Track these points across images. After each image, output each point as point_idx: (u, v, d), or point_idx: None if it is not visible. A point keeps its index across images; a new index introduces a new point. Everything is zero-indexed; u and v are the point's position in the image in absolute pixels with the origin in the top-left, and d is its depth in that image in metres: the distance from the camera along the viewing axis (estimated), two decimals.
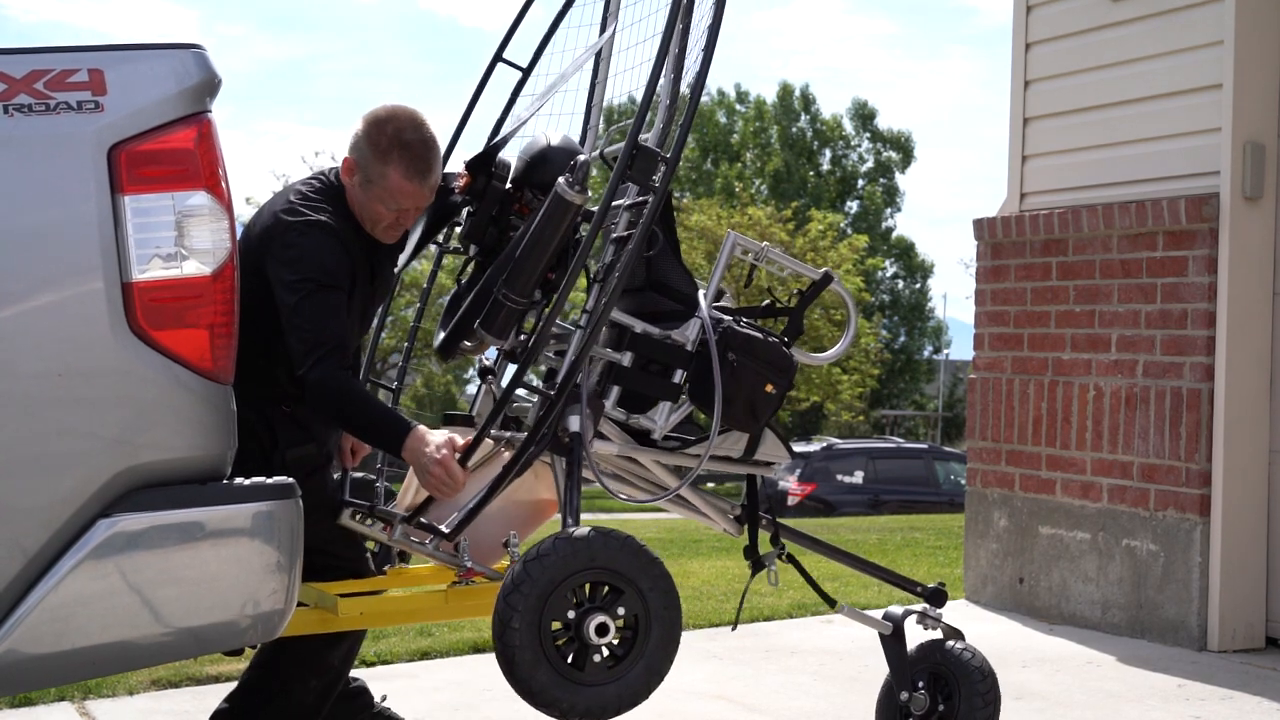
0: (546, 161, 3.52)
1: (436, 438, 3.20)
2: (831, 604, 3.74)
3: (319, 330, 3.23)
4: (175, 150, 2.53)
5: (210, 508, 2.55)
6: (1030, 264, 6.37)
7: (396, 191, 3.38)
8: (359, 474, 3.73)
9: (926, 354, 49.73)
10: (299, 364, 3.23)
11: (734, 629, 4.33)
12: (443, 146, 3.54)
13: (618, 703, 2.97)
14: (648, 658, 2.99)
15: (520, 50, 4.12)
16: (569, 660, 2.95)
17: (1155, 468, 5.75)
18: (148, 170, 2.51)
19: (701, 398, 3.34)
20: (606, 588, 2.98)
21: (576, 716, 2.94)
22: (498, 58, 4.10)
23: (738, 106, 48.51)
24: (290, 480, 2.68)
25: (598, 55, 3.93)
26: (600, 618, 2.94)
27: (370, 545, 3.84)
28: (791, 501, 20.30)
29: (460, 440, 3.22)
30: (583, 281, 3.41)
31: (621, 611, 2.97)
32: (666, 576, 3.03)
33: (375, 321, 3.87)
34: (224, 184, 2.59)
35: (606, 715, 2.97)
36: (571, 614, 2.94)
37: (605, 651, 2.97)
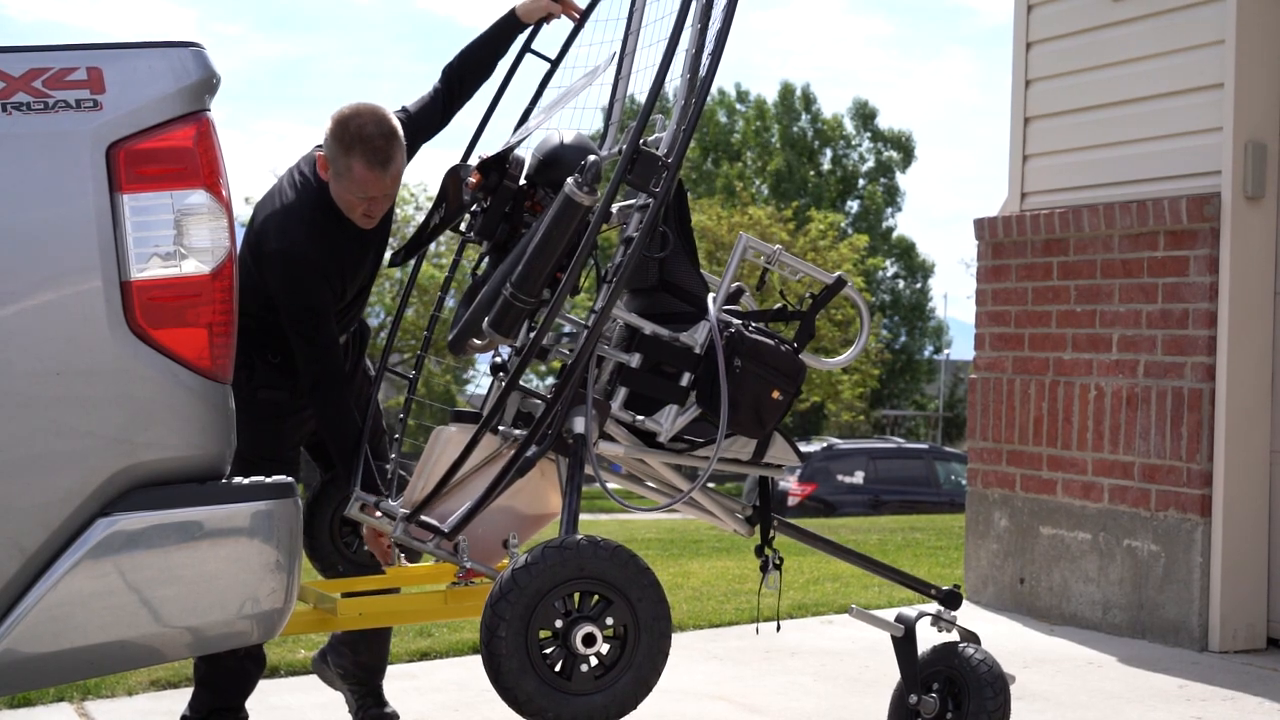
0: (559, 160, 3.53)
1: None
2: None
3: (316, 365, 3.68)
4: (174, 149, 2.53)
5: (209, 507, 2.54)
6: (1031, 264, 6.36)
7: (361, 181, 3.62)
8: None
9: (927, 354, 49.67)
10: (305, 382, 3.71)
11: (757, 631, 4.28)
12: (466, 133, 3.90)
13: (605, 712, 2.95)
14: (636, 668, 2.96)
15: (549, 41, 4.11)
16: (556, 669, 2.92)
17: (1156, 468, 5.74)
18: (146, 169, 2.50)
19: (708, 401, 3.32)
20: (596, 597, 2.95)
21: None
22: (526, 49, 4.08)
23: (738, 106, 48.48)
24: (289, 480, 2.68)
25: (622, 49, 3.90)
26: (587, 628, 2.91)
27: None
28: (792, 502, 20.26)
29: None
30: (592, 283, 3.40)
31: (610, 622, 2.94)
32: (656, 586, 3.01)
33: (369, 319, 4.20)
34: (223, 183, 2.59)
35: None
36: (559, 623, 2.91)
37: (593, 661, 2.94)
